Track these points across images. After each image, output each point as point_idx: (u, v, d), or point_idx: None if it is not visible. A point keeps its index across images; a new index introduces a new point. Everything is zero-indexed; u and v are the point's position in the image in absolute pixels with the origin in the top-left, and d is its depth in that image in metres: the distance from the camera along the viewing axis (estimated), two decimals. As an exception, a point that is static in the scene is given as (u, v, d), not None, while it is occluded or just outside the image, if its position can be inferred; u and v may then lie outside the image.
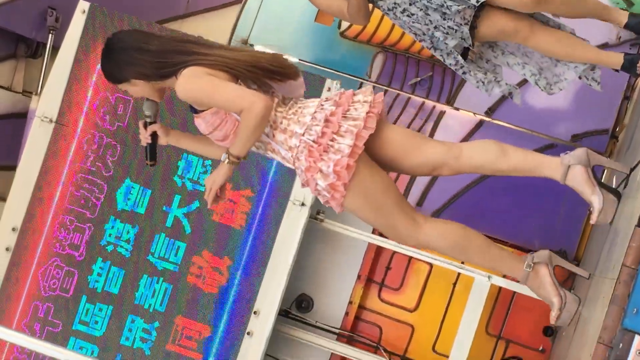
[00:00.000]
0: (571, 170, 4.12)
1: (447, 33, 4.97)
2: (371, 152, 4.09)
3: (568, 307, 4.01)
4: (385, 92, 6.59)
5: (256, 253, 6.01)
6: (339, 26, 6.67)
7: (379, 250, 6.55)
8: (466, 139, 6.52)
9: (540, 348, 6.47)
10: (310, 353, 6.52)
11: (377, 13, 5.49)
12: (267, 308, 5.98)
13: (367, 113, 4.01)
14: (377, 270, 6.62)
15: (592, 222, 4.11)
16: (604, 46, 6.37)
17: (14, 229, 6.09)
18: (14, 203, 6.12)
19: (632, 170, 4.33)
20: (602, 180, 4.46)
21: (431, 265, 6.47)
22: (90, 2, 6.06)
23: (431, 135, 6.55)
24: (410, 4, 4.97)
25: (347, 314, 6.58)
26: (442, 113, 6.57)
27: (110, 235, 6.09)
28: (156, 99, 4.18)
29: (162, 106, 4.65)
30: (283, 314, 6.45)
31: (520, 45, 5.13)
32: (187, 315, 6.05)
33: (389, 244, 6.19)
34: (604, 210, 4.04)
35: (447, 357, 6.30)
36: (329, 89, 6.02)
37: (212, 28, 6.86)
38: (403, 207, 4.09)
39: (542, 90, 5.22)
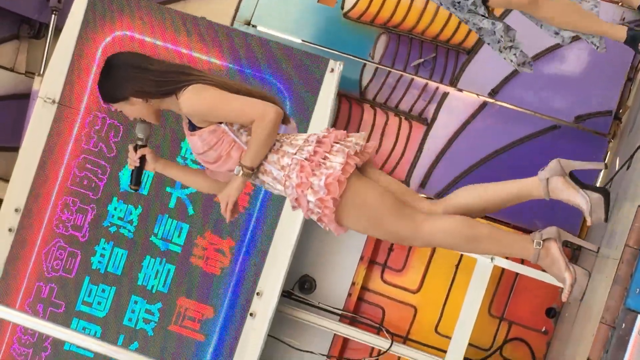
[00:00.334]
0: (550, 182, 4.12)
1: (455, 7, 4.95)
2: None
3: (579, 281, 4.00)
4: (389, 73, 6.59)
5: (259, 234, 6.02)
6: (342, 7, 6.66)
7: (382, 231, 6.55)
8: (470, 120, 6.51)
9: (543, 329, 6.48)
10: (312, 334, 6.53)
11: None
12: (270, 289, 5.99)
13: (357, 145, 4.07)
14: (380, 251, 6.62)
15: (588, 224, 4.13)
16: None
17: (16, 210, 6.10)
18: (17, 184, 6.13)
19: (628, 163, 4.32)
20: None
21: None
22: (92, -18, 6.06)
23: (434, 117, 6.55)
24: None
25: (349, 295, 6.59)
26: (445, 94, 6.56)
27: (113, 216, 6.10)
28: (152, 121, 4.17)
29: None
30: (286, 295, 6.45)
31: None
32: (190, 297, 6.06)
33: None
34: (593, 210, 4.05)
35: (450, 338, 6.31)
36: (332, 70, 6.02)
37: (214, 9, 6.85)
38: (400, 210, 4.07)
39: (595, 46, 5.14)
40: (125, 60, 4.12)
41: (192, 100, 3.99)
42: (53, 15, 6.79)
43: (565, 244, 4.09)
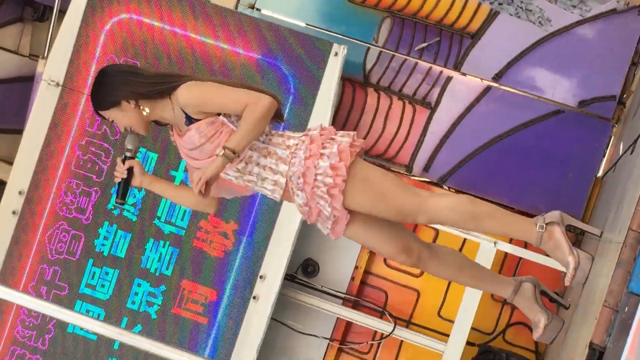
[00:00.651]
0: (521, 288, 4.31)
1: None
2: None
3: (582, 265, 4.00)
4: (393, 57, 6.58)
5: (262, 217, 6.03)
6: (347, -9, 6.65)
7: (385, 215, 6.55)
8: (473, 104, 6.52)
9: (546, 314, 6.48)
10: (315, 317, 6.55)
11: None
12: (273, 272, 6.00)
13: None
14: (383, 235, 6.62)
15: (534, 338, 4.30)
16: (612, 12, 6.35)
17: (20, 193, 6.11)
18: (21, 166, 6.13)
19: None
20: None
21: (437, 230, 6.47)
22: (96, -35, 6.04)
23: (438, 101, 6.55)
24: None
25: (352, 278, 6.60)
26: (449, 78, 6.56)
27: (117, 199, 6.10)
28: (141, 131, 4.16)
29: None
30: (289, 278, 6.46)
31: None
32: (193, 279, 6.07)
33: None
34: (547, 330, 4.22)
35: (453, 322, 6.32)
36: (336, 54, 6.01)
37: (218, -8, 6.83)
38: (404, 185, 4.09)
39: None
40: (119, 68, 4.26)
41: (189, 89, 4.00)
42: (57, -2, 6.78)
43: (569, 229, 4.09)
